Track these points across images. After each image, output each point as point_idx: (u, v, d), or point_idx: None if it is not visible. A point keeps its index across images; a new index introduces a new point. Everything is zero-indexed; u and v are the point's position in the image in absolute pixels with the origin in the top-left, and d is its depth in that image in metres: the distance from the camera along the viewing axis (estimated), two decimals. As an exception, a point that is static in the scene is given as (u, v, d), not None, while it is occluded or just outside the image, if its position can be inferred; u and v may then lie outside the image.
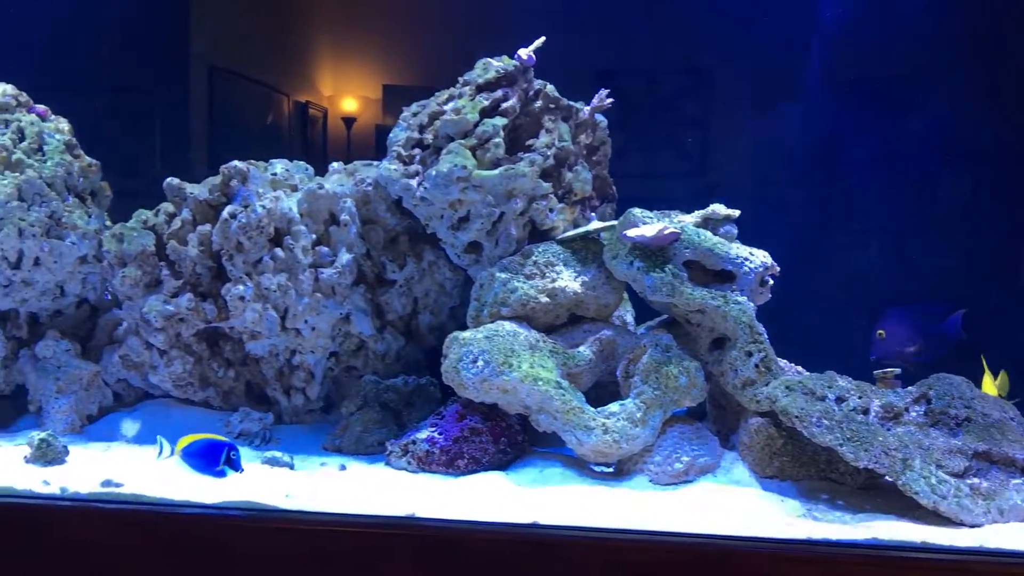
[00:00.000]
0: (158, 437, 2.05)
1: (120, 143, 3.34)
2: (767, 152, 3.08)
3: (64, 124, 2.59)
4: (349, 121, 3.42)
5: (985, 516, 1.78)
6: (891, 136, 2.98)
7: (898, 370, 2.15)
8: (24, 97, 2.56)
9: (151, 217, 2.45)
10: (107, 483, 1.93)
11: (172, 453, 1.97)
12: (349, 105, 3.42)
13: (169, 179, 2.44)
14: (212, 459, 1.93)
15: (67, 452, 2.15)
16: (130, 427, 2.41)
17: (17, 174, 2.39)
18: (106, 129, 3.28)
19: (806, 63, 3.01)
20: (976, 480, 1.84)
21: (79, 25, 3.34)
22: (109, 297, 2.58)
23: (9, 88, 2.54)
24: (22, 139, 2.46)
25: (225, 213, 2.32)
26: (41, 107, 2.56)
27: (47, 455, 2.11)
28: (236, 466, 1.94)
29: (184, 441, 1.96)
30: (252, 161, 2.44)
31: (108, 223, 2.60)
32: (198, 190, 2.40)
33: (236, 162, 2.38)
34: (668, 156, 3.18)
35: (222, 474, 1.93)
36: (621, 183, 2.67)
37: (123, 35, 3.39)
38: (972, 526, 1.76)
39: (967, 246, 2.94)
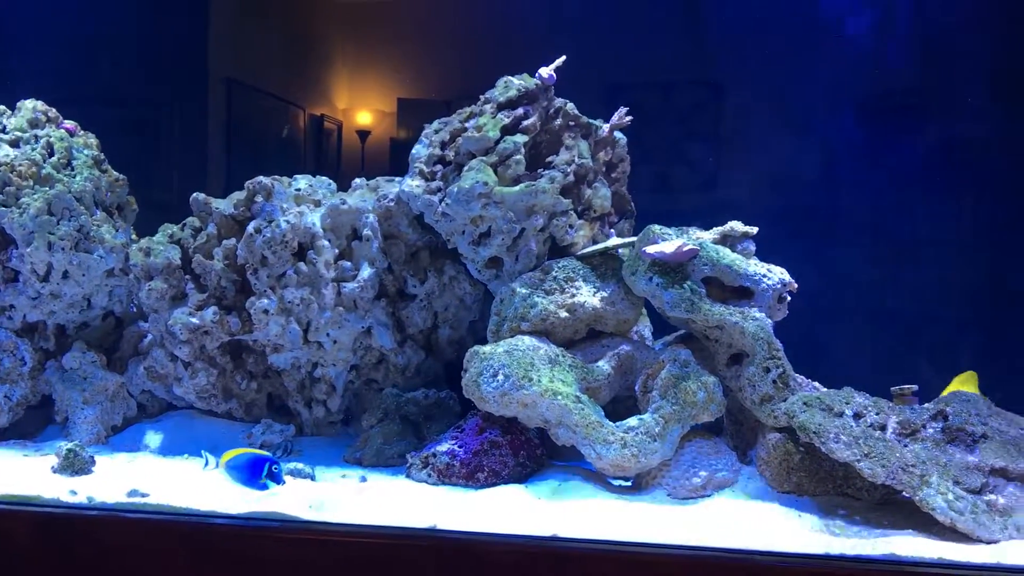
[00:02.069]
0: (203, 451, 2.11)
1: (138, 156, 3.39)
2: (780, 167, 3.10)
3: (92, 139, 2.64)
4: (364, 134, 3.45)
5: (1002, 532, 1.78)
6: (906, 151, 2.99)
7: (915, 387, 2.16)
8: (53, 113, 2.61)
9: (177, 231, 2.50)
10: (133, 493, 1.96)
11: (217, 465, 2.02)
12: (364, 118, 3.45)
13: (195, 194, 2.47)
14: (255, 472, 1.98)
15: (94, 462, 2.18)
16: (154, 438, 2.45)
17: (47, 189, 2.44)
18: (124, 142, 3.33)
19: (821, 77, 3.02)
20: (993, 497, 1.85)
21: (98, 39, 3.39)
22: (135, 309, 2.63)
23: (39, 104, 2.59)
24: (52, 154, 2.51)
25: (250, 228, 2.36)
26: (70, 123, 2.61)
27: (74, 465, 2.14)
28: (278, 479, 1.98)
29: (228, 455, 2.01)
30: (276, 176, 2.48)
31: (134, 236, 2.65)
32: (223, 205, 2.44)
33: (261, 177, 2.42)
34: (680, 170, 3.20)
35: (264, 487, 1.97)
36: (634, 197, 2.70)
37: (142, 49, 3.44)
38: (989, 542, 1.77)
39: (983, 261, 2.94)
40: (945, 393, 2.20)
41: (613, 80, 3.13)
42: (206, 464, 2.07)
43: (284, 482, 2.00)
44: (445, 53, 3.30)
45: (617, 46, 3.13)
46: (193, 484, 2.06)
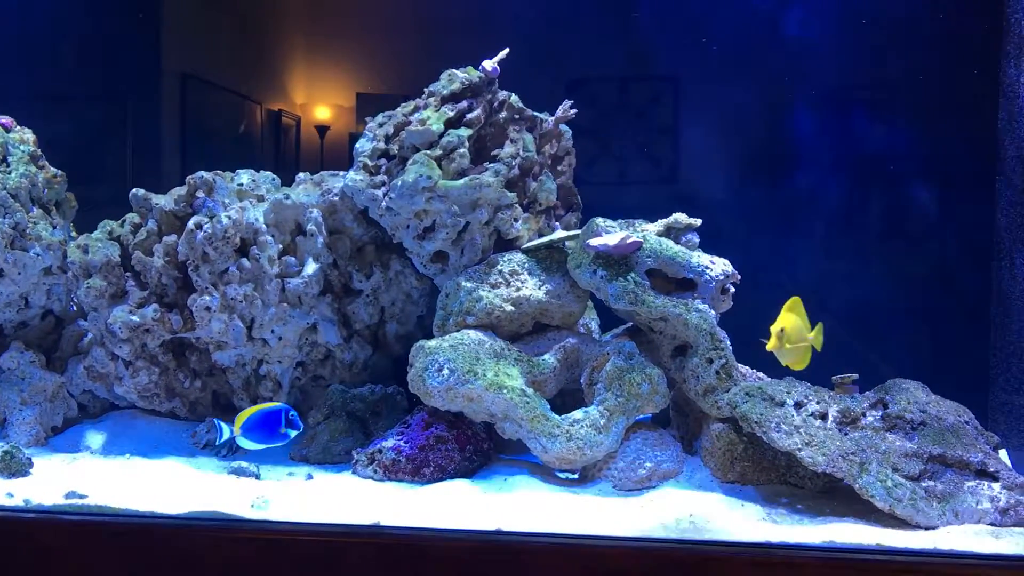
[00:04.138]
0: (215, 420, 2.08)
1: (92, 152, 3.32)
2: (735, 160, 3.11)
3: (29, 135, 2.58)
4: (322, 129, 3.41)
5: (940, 518, 1.81)
6: (857, 146, 3.02)
7: (856, 375, 2.18)
8: (-12, 108, 2.56)
9: (116, 228, 2.45)
10: (71, 495, 1.93)
11: (231, 435, 1.99)
12: (322, 113, 3.41)
13: (135, 190, 2.43)
14: (272, 426, 1.99)
15: (31, 464, 2.14)
16: (95, 438, 2.41)
17: (-20, 185, 2.38)
18: (78, 138, 3.26)
19: (775, 73, 3.04)
20: (931, 483, 1.88)
21: (50, 35, 3.32)
22: (74, 308, 2.57)
23: (-27, 100, 2.54)
24: (-15, 150, 2.46)
25: (191, 224, 2.32)
26: (6, 118, 2.55)
27: (11, 467, 2.10)
28: (296, 425, 2.01)
29: (240, 420, 2.00)
30: (218, 171, 2.45)
31: (73, 234, 2.60)
32: (164, 201, 2.40)
33: (202, 172, 2.39)
34: (639, 164, 3.21)
35: (285, 437, 1.99)
36: (593, 190, 2.69)
37: (95, 44, 3.37)
38: (927, 528, 1.80)
39: (929, 255, 2.98)
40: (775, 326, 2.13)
41: (571, 75, 3.12)
42: (220, 436, 2.03)
43: (302, 426, 2.03)
44: (405, 48, 3.27)
45: (575, 41, 3.13)
46: (133, 484, 2.03)
